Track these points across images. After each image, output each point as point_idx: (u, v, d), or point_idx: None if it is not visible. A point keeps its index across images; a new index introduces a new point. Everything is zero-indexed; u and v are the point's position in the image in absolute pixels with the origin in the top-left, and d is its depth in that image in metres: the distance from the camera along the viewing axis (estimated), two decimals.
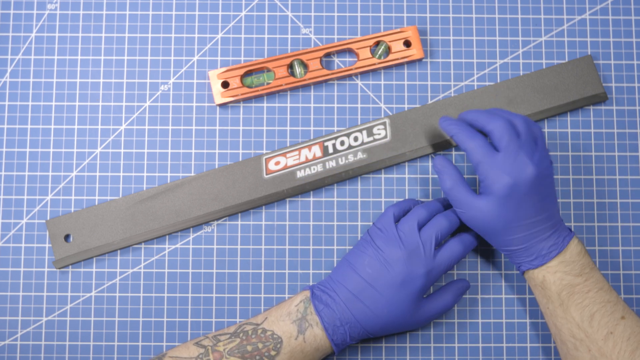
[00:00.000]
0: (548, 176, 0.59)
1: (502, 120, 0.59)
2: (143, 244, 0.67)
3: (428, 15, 0.71)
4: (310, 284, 0.67)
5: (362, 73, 0.70)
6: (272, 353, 0.57)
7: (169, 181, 0.68)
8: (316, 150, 0.67)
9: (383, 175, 0.69)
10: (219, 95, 0.68)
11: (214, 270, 0.67)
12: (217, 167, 0.68)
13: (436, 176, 0.68)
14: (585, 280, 0.58)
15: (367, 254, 0.60)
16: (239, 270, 0.67)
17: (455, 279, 0.66)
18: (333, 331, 0.58)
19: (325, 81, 0.70)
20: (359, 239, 0.67)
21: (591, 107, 0.70)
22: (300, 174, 0.67)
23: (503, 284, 0.67)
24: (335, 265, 0.67)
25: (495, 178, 0.57)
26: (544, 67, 0.70)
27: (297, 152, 0.67)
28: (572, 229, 0.68)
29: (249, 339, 0.58)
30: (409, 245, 0.59)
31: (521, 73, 0.70)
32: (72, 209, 0.68)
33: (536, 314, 0.67)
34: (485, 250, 0.68)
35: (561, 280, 0.58)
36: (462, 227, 0.63)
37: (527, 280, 0.61)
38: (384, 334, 0.60)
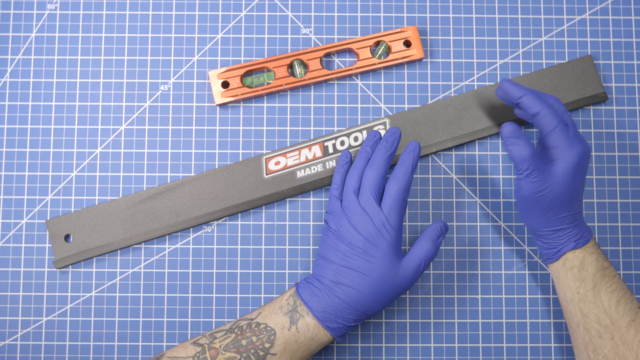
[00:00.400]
0: (589, 155, 0.61)
1: (552, 98, 0.61)
2: (143, 244, 0.67)
3: (428, 15, 0.71)
4: None
5: (362, 73, 0.70)
6: (267, 345, 0.58)
7: (169, 181, 0.68)
8: (316, 150, 0.67)
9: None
10: (219, 95, 0.68)
11: (214, 270, 0.67)
12: (217, 167, 0.68)
13: (437, 176, 0.68)
14: (609, 265, 0.60)
15: (329, 239, 0.61)
16: (239, 270, 0.67)
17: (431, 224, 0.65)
18: (324, 318, 0.58)
19: (325, 81, 0.70)
20: None
21: (591, 107, 0.70)
22: (300, 174, 0.67)
23: (503, 284, 0.67)
24: None
25: (570, 145, 0.58)
26: (544, 67, 0.70)
27: (297, 152, 0.67)
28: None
29: (243, 334, 0.58)
30: (351, 213, 0.60)
31: (521, 73, 0.70)
32: (72, 209, 0.68)
33: (536, 314, 0.67)
34: (485, 250, 0.68)
35: (597, 260, 0.60)
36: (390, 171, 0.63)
37: (557, 267, 0.61)
38: (380, 305, 0.60)
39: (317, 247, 0.67)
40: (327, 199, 0.68)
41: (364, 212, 0.60)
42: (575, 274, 0.60)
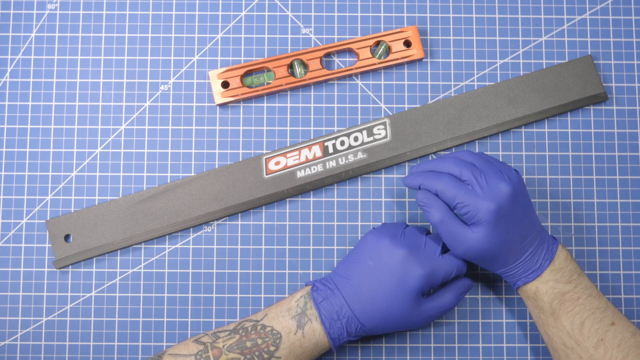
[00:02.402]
0: (520, 185, 0.59)
1: (452, 159, 0.60)
2: (143, 244, 0.67)
3: (428, 15, 0.71)
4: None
5: (362, 73, 0.70)
6: (271, 349, 0.58)
7: (169, 181, 0.68)
8: (316, 150, 0.67)
9: (383, 175, 0.68)
10: (219, 95, 0.68)
11: (214, 270, 0.67)
12: (217, 167, 0.68)
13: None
14: (574, 287, 0.58)
15: (369, 248, 0.60)
16: (239, 270, 0.67)
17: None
18: (330, 324, 0.58)
19: (325, 81, 0.70)
20: (359, 238, 0.66)
21: (591, 107, 0.70)
22: (300, 174, 0.67)
23: (503, 284, 0.67)
24: (335, 264, 0.67)
25: (477, 207, 0.57)
26: (544, 67, 0.70)
27: (297, 152, 0.67)
28: (573, 229, 0.68)
29: (248, 335, 0.58)
30: (411, 244, 0.59)
31: (521, 73, 0.70)
32: (72, 209, 0.68)
33: None
34: None
35: (553, 289, 0.58)
36: None
37: (520, 294, 0.61)
38: (383, 331, 0.60)
39: (319, 247, 0.67)
40: (328, 199, 0.68)
41: (423, 250, 0.59)
42: (533, 302, 0.60)
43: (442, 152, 0.69)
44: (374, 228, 0.62)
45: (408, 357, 0.66)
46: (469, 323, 0.67)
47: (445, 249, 0.61)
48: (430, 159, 0.69)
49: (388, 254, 0.59)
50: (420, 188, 0.60)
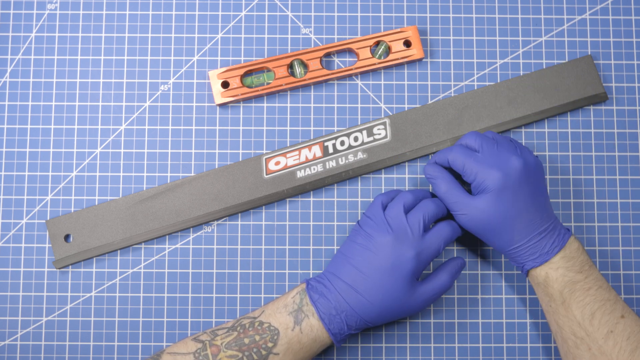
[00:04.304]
0: (537, 168, 0.60)
1: (474, 133, 0.61)
2: (143, 244, 0.67)
3: (428, 15, 0.71)
4: None
5: (362, 73, 0.70)
6: (269, 345, 0.58)
7: (169, 181, 0.68)
8: (316, 150, 0.67)
9: (383, 175, 0.69)
10: (219, 95, 0.68)
11: (214, 270, 0.67)
12: (217, 167, 0.68)
13: None
14: (585, 277, 0.59)
15: (357, 242, 0.60)
16: (239, 270, 0.67)
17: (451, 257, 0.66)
18: (329, 320, 0.58)
19: (325, 81, 0.70)
20: None
21: (591, 107, 0.70)
22: (300, 174, 0.67)
23: (503, 284, 0.67)
24: None
25: (485, 174, 0.58)
26: (544, 67, 0.70)
27: (297, 152, 0.67)
28: (572, 229, 0.68)
29: (246, 332, 0.58)
30: (396, 228, 0.59)
31: (521, 73, 0.70)
32: (72, 209, 0.68)
33: (536, 314, 0.67)
34: (485, 250, 0.68)
35: (563, 276, 0.58)
36: (449, 215, 0.63)
37: (530, 280, 0.61)
38: (384, 321, 0.60)
39: (319, 247, 0.67)
40: (328, 199, 0.68)
41: (409, 233, 0.59)
42: (543, 289, 0.60)
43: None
44: (358, 222, 0.62)
45: (408, 357, 0.66)
46: (468, 323, 0.67)
47: (427, 226, 0.61)
48: (430, 158, 0.69)
49: (376, 243, 0.59)
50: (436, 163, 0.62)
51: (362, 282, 0.59)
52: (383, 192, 0.65)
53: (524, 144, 0.69)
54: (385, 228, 0.60)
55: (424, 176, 0.68)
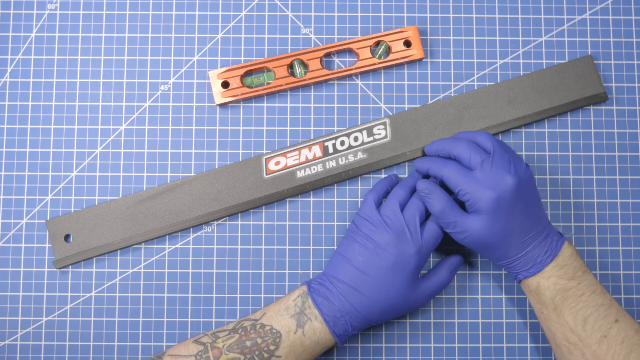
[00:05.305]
0: (529, 181, 0.59)
1: (465, 142, 0.60)
2: (143, 244, 0.67)
3: (428, 15, 0.71)
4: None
5: (362, 73, 0.70)
6: (272, 347, 0.58)
7: (169, 181, 0.68)
8: (316, 150, 0.67)
9: (383, 175, 0.68)
10: (219, 95, 0.68)
11: (214, 270, 0.67)
12: (217, 167, 0.68)
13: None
14: (578, 283, 0.59)
15: (356, 243, 0.60)
16: (239, 270, 0.67)
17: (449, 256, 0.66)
18: (334, 323, 0.58)
19: (325, 81, 0.70)
20: None
21: (591, 107, 0.70)
22: (300, 174, 0.67)
23: (503, 284, 0.67)
24: None
25: (479, 195, 0.58)
26: (544, 67, 0.70)
27: (297, 152, 0.67)
28: (573, 229, 0.68)
29: (247, 335, 0.58)
30: (395, 228, 0.60)
31: (521, 73, 0.70)
32: (72, 209, 0.68)
33: None
34: None
35: (555, 284, 0.58)
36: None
37: (522, 288, 0.62)
38: (387, 319, 0.60)
39: (319, 247, 0.67)
40: (328, 199, 0.68)
41: (408, 232, 0.59)
42: (535, 297, 0.60)
43: None
44: (353, 222, 0.62)
45: (408, 357, 0.66)
46: (469, 323, 0.67)
47: (422, 221, 0.61)
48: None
49: (376, 244, 0.59)
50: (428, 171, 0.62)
51: (365, 282, 0.59)
52: (372, 187, 0.64)
53: (523, 144, 0.69)
54: (383, 228, 0.60)
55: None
